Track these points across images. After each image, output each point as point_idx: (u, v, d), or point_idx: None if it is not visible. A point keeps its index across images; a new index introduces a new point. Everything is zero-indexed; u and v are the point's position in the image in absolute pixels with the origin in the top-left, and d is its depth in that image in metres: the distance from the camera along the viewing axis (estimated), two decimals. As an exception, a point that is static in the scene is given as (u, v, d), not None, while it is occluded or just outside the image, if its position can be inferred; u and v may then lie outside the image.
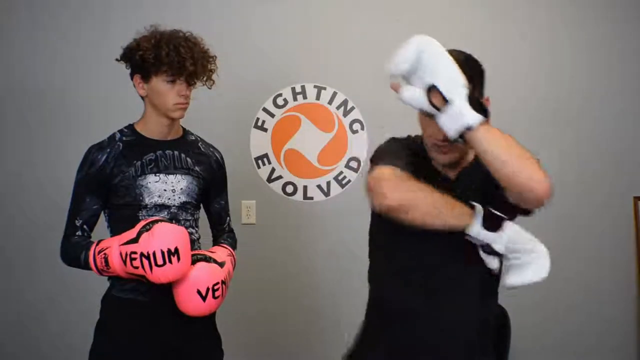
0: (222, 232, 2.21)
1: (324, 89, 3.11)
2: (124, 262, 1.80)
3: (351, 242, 2.86)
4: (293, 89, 3.12)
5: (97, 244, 1.88)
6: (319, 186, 3.10)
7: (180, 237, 1.80)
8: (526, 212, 1.54)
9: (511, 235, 1.46)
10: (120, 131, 2.03)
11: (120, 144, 1.99)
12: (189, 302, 1.86)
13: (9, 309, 3.09)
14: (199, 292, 1.84)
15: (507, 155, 1.37)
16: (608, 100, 3.07)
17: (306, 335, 3.09)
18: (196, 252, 1.94)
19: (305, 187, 3.10)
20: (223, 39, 2.84)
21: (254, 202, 3.10)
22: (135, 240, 1.78)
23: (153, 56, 1.91)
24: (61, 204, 2.10)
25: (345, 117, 3.11)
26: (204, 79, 2.03)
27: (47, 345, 3.06)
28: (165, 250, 1.75)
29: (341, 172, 3.10)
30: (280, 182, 3.12)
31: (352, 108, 3.10)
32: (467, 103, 1.36)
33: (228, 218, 2.23)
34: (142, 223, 1.83)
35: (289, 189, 3.12)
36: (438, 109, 1.39)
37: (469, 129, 1.37)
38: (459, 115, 1.37)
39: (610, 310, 3.03)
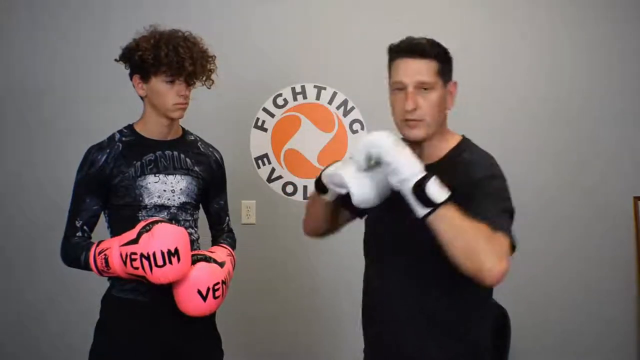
0: (222, 232, 2.21)
1: (324, 89, 3.11)
2: (124, 262, 1.80)
3: (351, 241, 2.85)
4: (293, 89, 3.12)
5: (98, 245, 1.88)
6: (319, 186, 3.10)
7: (180, 237, 1.80)
8: None
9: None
10: (120, 131, 2.03)
11: (120, 145, 1.99)
12: (190, 302, 1.86)
13: (9, 309, 3.09)
14: (199, 292, 1.84)
15: (456, 249, 1.41)
16: (608, 100, 3.07)
17: (306, 335, 3.09)
18: (196, 252, 1.94)
19: (305, 187, 3.10)
20: (223, 39, 2.84)
21: (254, 202, 3.10)
22: (135, 241, 1.78)
23: (152, 56, 1.91)
24: (61, 204, 2.10)
25: (345, 117, 3.11)
26: (204, 79, 2.03)
27: (47, 345, 3.06)
28: (165, 251, 1.75)
29: (341, 172, 3.10)
30: (280, 182, 3.12)
31: (352, 108, 3.10)
32: (413, 196, 1.42)
33: (227, 218, 2.23)
34: (142, 224, 1.82)
35: (289, 189, 3.12)
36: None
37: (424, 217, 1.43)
38: (414, 205, 1.43)
39: (610, 310, 3.03)
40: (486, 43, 3.01)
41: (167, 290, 1.87)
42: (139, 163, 1.97)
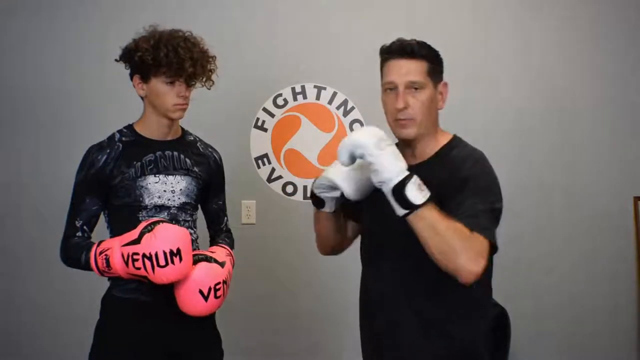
0: (220, 232, 2.20)
1: (324, 89, 3.11)
2: (126, 263, 1.80)
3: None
4: (293, 89, 3.12)
5: (98, 245, 1.87)
6: (319, 186, 3.10)
7: (182, 237, 1.80)
8: None
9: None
10: (120, 131, 2.02)
11: (120, 145, 1.98)
12: (191, 302, 1.86)
13: (9, 309, 3.09)
14: (200, 292, 1.85)
15: (432, 247, 1.47)
16: (608, 100, 3.07)
17: (306, 335, 3.09)
18: (197, 252, 1.94)
19: (305, 187, 3.10)
20: (223, 39, 2.84)
21: (254, 202, 3.10)
22: (137, 241, 1.78)
23: (151, 57, 1.90)
24: (66, 204, 2.08)
25: (345, 117, 3.11)
26: (204, 79, 2.02)
27: (47, 345, 3.06)
28: (167, 251, 1.75)
29: (341, 172, 3.10)
30: (280, 182, 3.12)
31: (352, 108, 3.11)
32: (392, 197, 1.47)
33: (225, 218, 2.23)
34: (143, 224, 1.82)
35: (289, 189, 3.12)
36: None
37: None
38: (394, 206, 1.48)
39: (610, 309, 3.03)
40: (489, 42, 3.04)
41: (167, 290, 1.87)
42: (139, 163, 1.97)
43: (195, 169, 2.06)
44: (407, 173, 1.46)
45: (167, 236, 1.77)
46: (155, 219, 1.90)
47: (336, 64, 3.11)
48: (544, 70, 3.08)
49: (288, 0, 3.12)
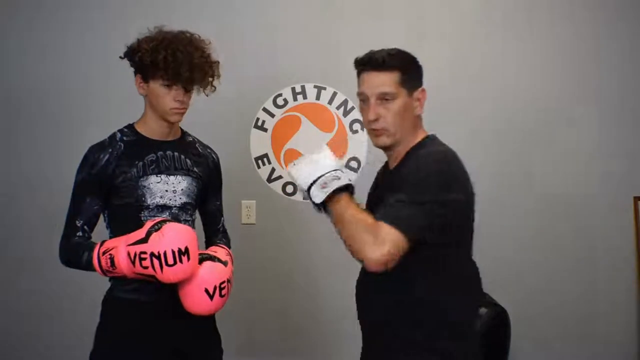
0: (217, 233, 2.20)
1: (324, 89, 3.11)
2: (133, 262, 1.78)
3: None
4: (293, 89, 3.12)
5: (102, 245, 1.86)
6: (319, 186, 3.10)
7: (190, 236, 1.81)
8: None
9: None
10: (121, 131, 2.02)
11: (122, 144, 1.98)
12: (197, 301, 1.86)
13: (9, 309, 3.09)
14: (206, 290, 1.85)
15: (342, 239, 1.62)
16: (608, 100, 3.07)
17: (306, 335, 3.09)
18: (201, 251, 1.93)
19: (305, 187, 3.10)
20: (223, 39, 2.83)
21: (254, 202, 3.10)
22: (144, 240, 1.77)
23: (150, 59, 1.89)
24: (66, 204, 2.08)
25: (345, 117, 3.12)
26: (203, 85, 1.99)
27: (47, 345, 3.06)
28: (175, 250, 1.75)
29: (341, 172, 3.10)
30: (280, 182, 3.12)
31: (352, 108, 3.11)
32: (308, 194, 1.67)
33: (222, 219, 2.22)
34: (150, 223, 1.82)
35: (289, 189, 3.12)
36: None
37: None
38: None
39: (610, 310, 3.03)
40: (489, 42, 3.03)
41: (168, 290, 1.87)
42: (140, 163, 1.97)
43: (195, 169, 2.06)
44: (315, 177, 1.62)
45: (175, 235, 1.77)
46: (161, 218, 1.90)
47: (336, 64, 3.11)
48: (544, 70, 3.08)
49: (288, 1, 3.12)
